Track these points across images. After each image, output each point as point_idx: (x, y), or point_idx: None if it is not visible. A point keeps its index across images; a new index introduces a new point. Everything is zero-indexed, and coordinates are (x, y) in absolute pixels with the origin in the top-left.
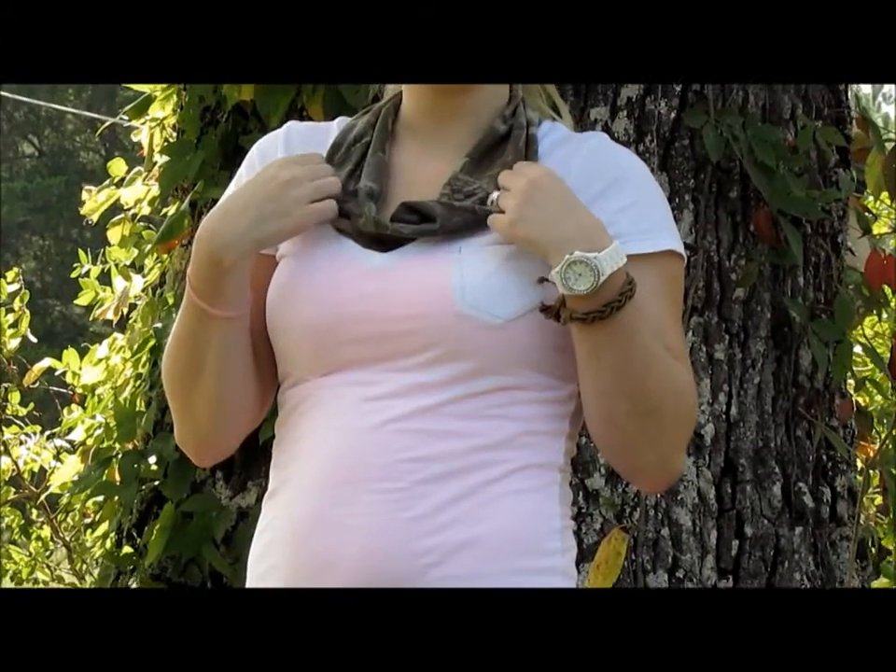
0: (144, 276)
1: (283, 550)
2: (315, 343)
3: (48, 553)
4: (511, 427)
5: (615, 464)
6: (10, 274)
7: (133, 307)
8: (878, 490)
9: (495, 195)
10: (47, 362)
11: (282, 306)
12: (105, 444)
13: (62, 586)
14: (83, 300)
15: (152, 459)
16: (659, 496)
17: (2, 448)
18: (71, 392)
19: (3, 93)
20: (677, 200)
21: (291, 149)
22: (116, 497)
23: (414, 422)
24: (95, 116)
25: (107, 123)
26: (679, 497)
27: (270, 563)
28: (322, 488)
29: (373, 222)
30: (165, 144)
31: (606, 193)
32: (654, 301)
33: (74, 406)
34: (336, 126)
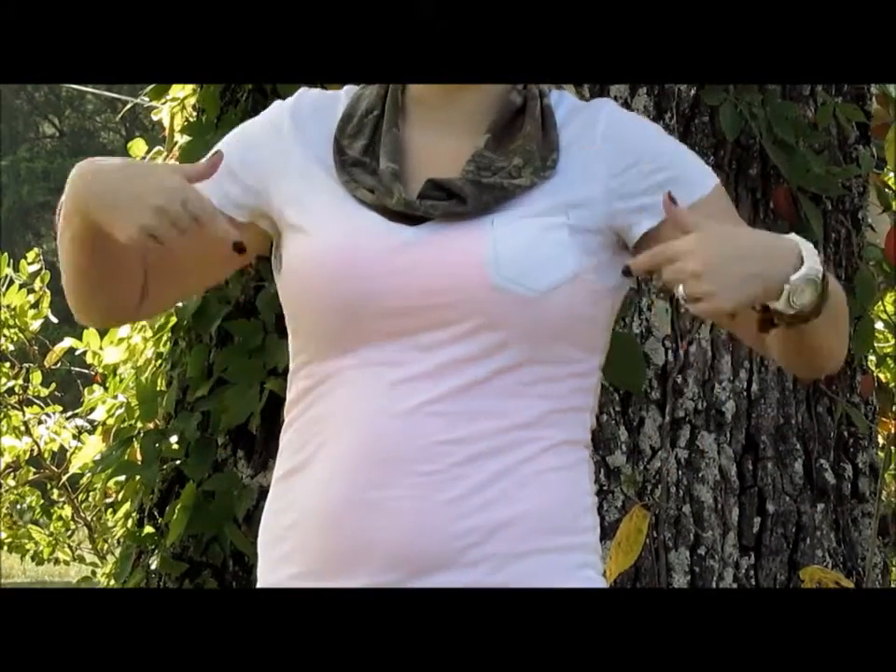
0: None
1: (311, 532)
2: (343, 317)
3: (69, 533)
4: (543, 404)
5: (806, 372)
6: (31, 255)
7: None
8: None
9: (681, 290)
10: (68, 343)
11: (306, 279)
12: (126, 424)
13: (83, 566)
14: None
15: (173, 439)
16: (680, 472)
17: (23, 428)
18: (92, 372)
19: None
20: None
21: (301, 118)
22: (137, 477)
23: (447, 403)
24: (116, 96)
25: (129, 105)
26: (700, 475)
27: (290, 546)
28: (355, 471)
29: (404, 203)
30: (186, 123)
31: (638, 164)
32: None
33: (95, 386)
34: (345, 95)
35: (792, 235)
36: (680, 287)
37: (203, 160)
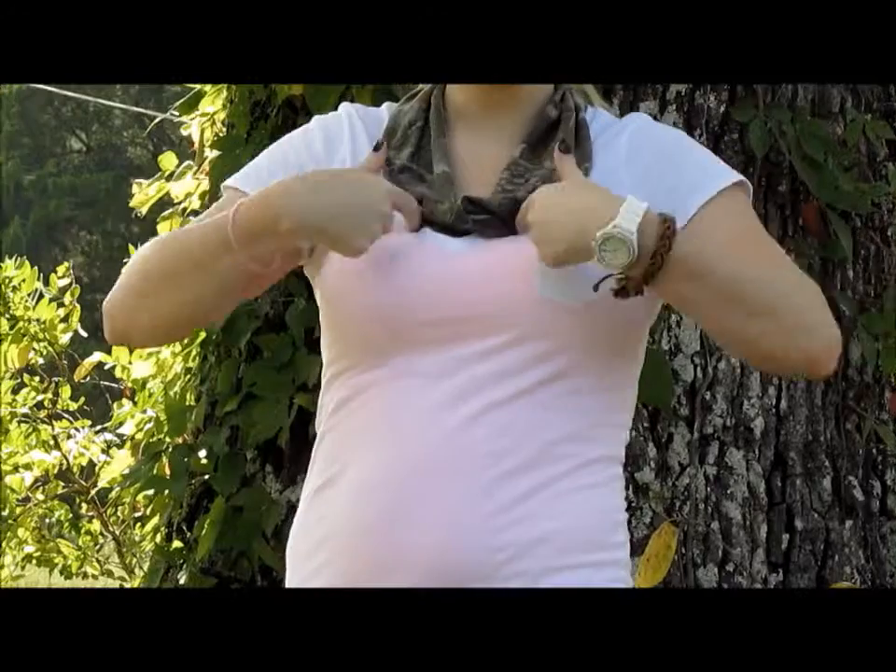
0: None
1: (343, 546)
2: (384, 325)
3: (97, 547)
4: (581, 419)
5: (754, 360)
6: (61, 269)
7: None
8: None
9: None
10: (97, 357)
11: (349, 288)
12: (155, 438)
13: (110, 580)
14: None
15: (202, 453)
16: (709, 489)
17: (52, 442)
18: (121, 387)
19: (51, 89)
20: None
21: (354, 129)
22: (166, 492)
23: (488, 416)
24: (143, 111)
25: (157, 119)
26: (728, 491)
27: (324, 558)
28: (392, 483)
29: (456, 213)
30: (215, 138)
31: (655, 166)
32: (731, 223)
33: (124, 400)
34: (385, 111)
35: (629, 197)
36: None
37: (368, 154)
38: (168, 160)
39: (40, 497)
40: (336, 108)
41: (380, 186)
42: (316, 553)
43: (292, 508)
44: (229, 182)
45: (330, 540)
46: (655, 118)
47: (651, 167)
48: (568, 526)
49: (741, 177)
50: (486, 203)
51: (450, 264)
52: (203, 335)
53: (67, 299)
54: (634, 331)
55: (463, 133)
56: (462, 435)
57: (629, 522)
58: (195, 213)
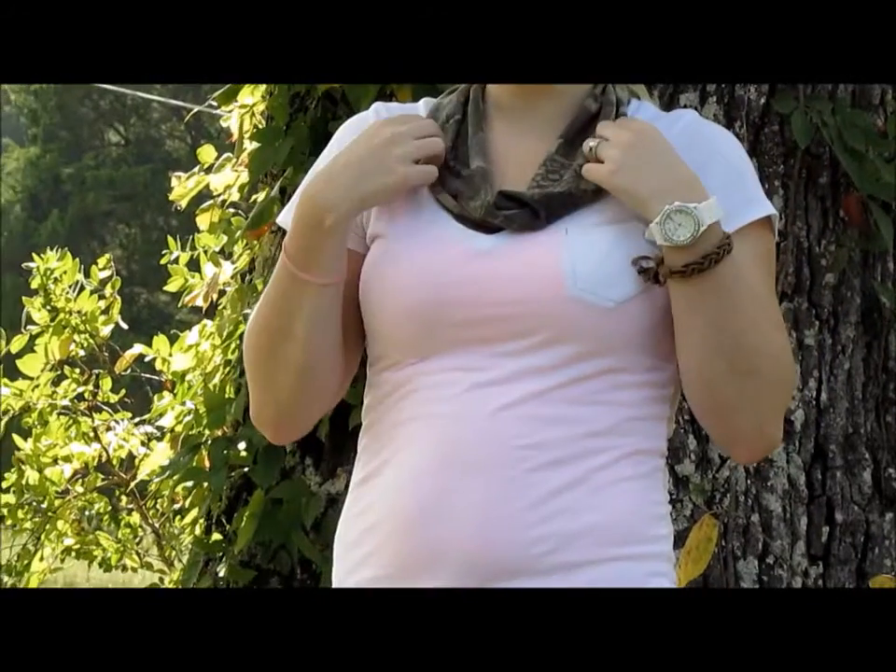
0: (233, 263)
1: (386, 536)
2: (418, 325)
3: (136, 540)
4: (619, 412)
5: (712, 429)
6: (102, 261)
7: (222, 293)
8: None
9: (593, 143)
10: (138, 349)
11: (382, 286)
12: (194, 431)
13: (150, 573)
14: (172, 286)
15: (242, 445)
16: (749, 482)
17: (92, 434)
18: (161, 379)
19: None
20: (766, 185)
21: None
22: (205, 484)
23: (524, 408)
24: (181, 104)
25: (194, 111)
26: (769, 484)
27: (367, 550)
28: (431, 475)
29: (485, 211)
30: (254, 130)
31: (701, 171)
32: (753, 271)
33: (164, 393)
34: (423, 106)
35: (714, 198)
36: (594, 141)
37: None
38: (207, 152)
39: (80, 489)
40: (376, 100)
41: (385, 135)
42: (360, 544)
43: (332, 500)
44: (279, 220)
45: (373, 532)
46: (696, 109)
47: (700, 167)
48: (608, 519)
49: (775, 211)
50: (520, 196)
51: (480, 264)
52: (242, 327)
53: (108, 291)
54: (671, 332)
55: (501, 128)
56: (499, 428)
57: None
58: (234, 205)
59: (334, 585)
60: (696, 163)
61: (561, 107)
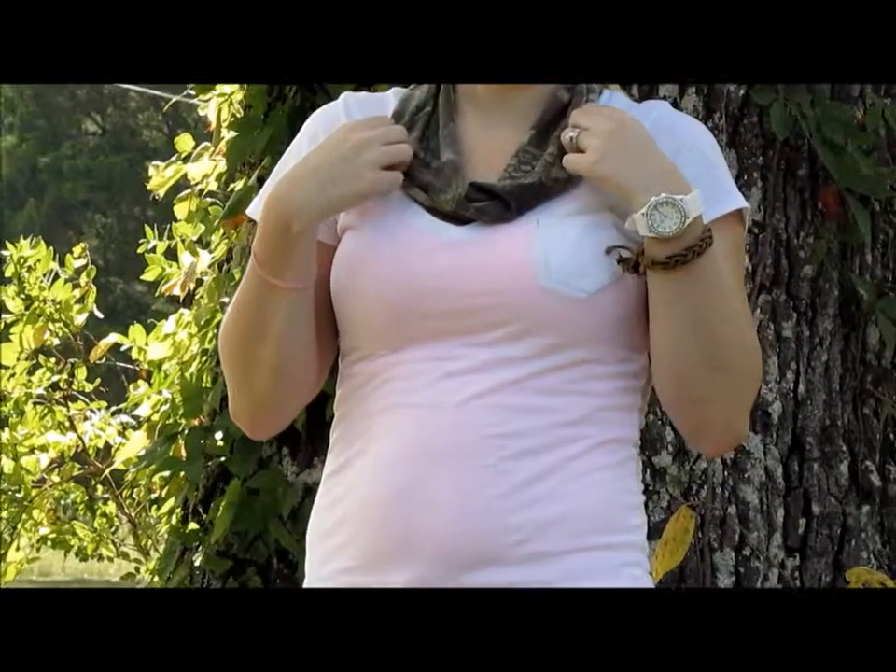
0: (210, 252)
1: (360, 526)
2: (390, 316)
3: (112, 530)
4: (590, 402)
5: (681, 422)
6: (77, 249)
7: (199, 283)
8: None
9: (573, 133)
10: (113, 338)
11: (353, 278)
12: (171, 420)
13: (126, 562)
14: (149, 275)
15: (218, 435)
16: (726, 473)
17: (68, 423)
18: (137, 368)
19: None
20: (745, 177)
21: (352, 119)
22: (182, 473)
23: (497, 397)
24: (159, 93)
25: (172, 100)
26: (746, 475)
27: (340, 540)
28: (404, 465)
29: (455, 203)
30: (232, 119)
31: (675, 158)
32: (724, 263)
33: (140, 382)
34: (392, 96)
35: (697, 191)
36: (573, 131)
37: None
38: (184, 141)
39: (56, 478)
40: (355, 90)
41: (356, 140)
42: (333, 534)
43: (308, 490)
44: (248, 211)
45: (346, 522)
46: (675, 101)
47: (672, 158)
48: (581, 508)
49: (747, 204)
50: (492, 188)
51: (452, 256)
52: (219, 316)
53: (83, 280)
54: (644, 323)
55: (472, 118)
56: (471, 417)
57: (646, 506)
58: (212, 194)
59: (307, 576)
60: (669, 155)
61: (533, 98)
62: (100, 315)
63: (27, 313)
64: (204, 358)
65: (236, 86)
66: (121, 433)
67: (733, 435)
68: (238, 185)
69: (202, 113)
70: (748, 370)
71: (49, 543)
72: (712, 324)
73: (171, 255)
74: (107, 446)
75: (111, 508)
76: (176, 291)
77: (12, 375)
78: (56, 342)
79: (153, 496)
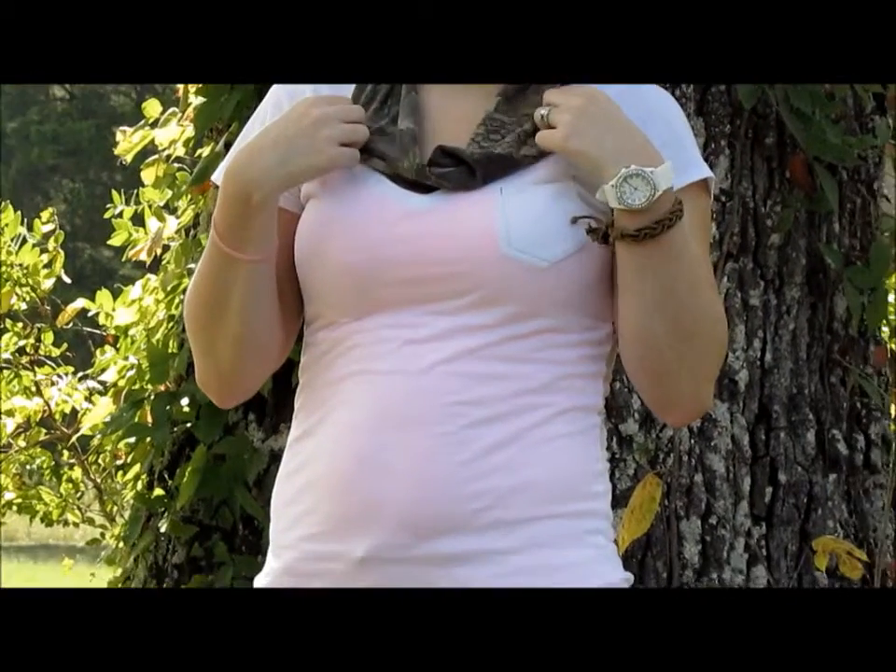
0: (178, 218)
1: (322, 493)
2: (353, 284)
3: (78, 495)
4: (554, 369)
5: (648, 393)
6: (45, 214)
7: (166, 248)
8: None
9: (544, 111)
10: (80, 303)
11: (316, 247)
12: (137, 386)
13: (91, 528)
14: (116, 240)
15: (184, 401)
16: (693, 441)
17: (34, 388)
18: (104, 333)
19: None
20: (713, 145)
21: (318, 88)
22: (148, 439)
23: (460, 364)
24: None
25: None
26: (712, 444)
27: (303, 507)
28: (367, 432)
29: (415, 170)
30: (200, 85)
31: (640, 125)
32: (691, 233)
33: (106, 347)
34: None
35: (669, 163)
36: (544, 109)
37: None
38: (152, 107)
39: (22, 443)
40: None
41: (316, 114)
42: (297, 501)
43: (274, 456)
44: (213, 177)
45: (309, 489)
46: None
47: (643, 119)
48: (543, 475)
49: (712, 174)
50: (459, 153)
51: (414, 224)
52: (185, 282)
53: (51, 244)
54: (607, 293)
55: (436, 88)
56: (434, 384)
57: (613, 474)
58: (179, 160)
59: (271, 543)
60: (633, 119)
61: None
62: (67, 280)
63: None
64: (171, 324)
65: None
66: (88, 398)
67: (699, 405)
68: (205, 150)
69: None
70: (715, 340)
71: (14, 508)
72: (681, 295)
73: (138, 220)
74: (74, 411)
75: (77, 473)
76: (143, 257)
77: None
78: (23, 306)
79: (119, 461)
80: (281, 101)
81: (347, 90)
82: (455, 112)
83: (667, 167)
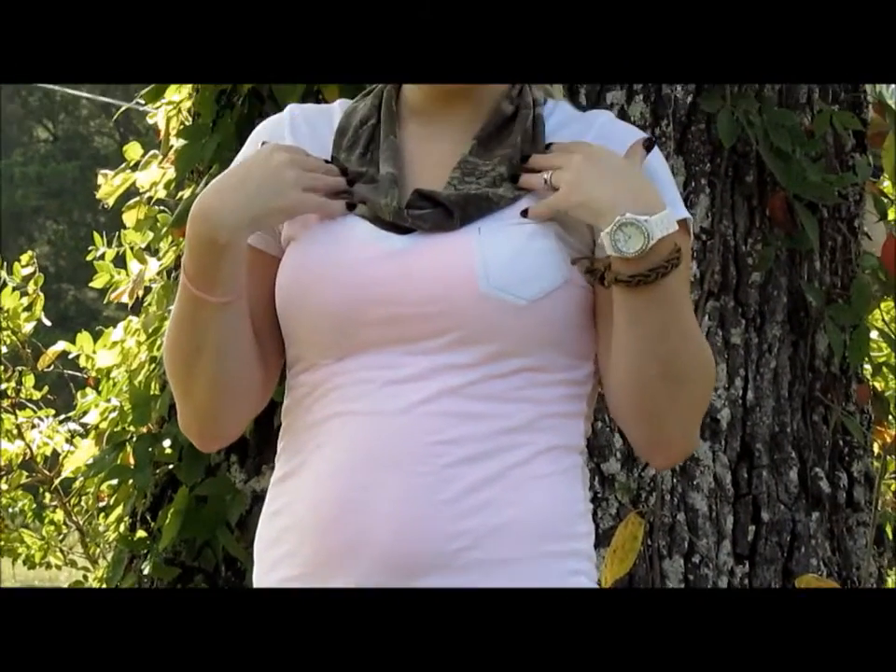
0: (159, 259)
1: (303, 535)
2: (333, 325)
3: (60, 538)
4: (534, 409)
5: (638, 435)
6: (25, 258)
7: (148, 290)
8: (895, 476)
9: (547, 175)
10: (61, 345)
11: (297, 288)
12: (119, 428)
13: (74, 570)
14: (98, 282)
15: (167, 443)
16: (675, 480)
17: (15, 431)
18: (85, 376)
19: None
20: (693, 184)
21: (297, 132)
22: (130, 481)
23: (440, 404)
24: (110, 101)
25: (123, 108)
26: (695, 482)
27: (285, 549)
28: (348, 472)
29: (394, 211)
30: (181, 127)
31: None
32: (683, 278)
33: (88, 389)
34: (339, 108)
35: (669, 209)
36: (545, 174)
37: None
38: (134, 149)
39: (4, 486)
40: (303, 100)
41: (280, 159)
42: (279, 543)
43: (257, 498)
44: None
45: (291, 531)
46: (622, 108)
47: None
48: (525, 515)
49: (689, 215)
50: (436, 196)
51: (393, 264)
52: (167, 324)
53: (31, 287)
54: (588, 331)
55: (415, 131)
56: (414, 424)
57: (595, 513)
58: (161, 202)
59: (254, 584)
60: None
61: (476, 110)
62: (47, 323)
63: None
64: (153, 366)
65: (185, 94)
66: (70, 441)
67: (688, 446)
68: (187, 192)
69: (152, 122)
70: (705, 382)
71: None
72: (674, 340)
73: (121, 262)
74: (55, 454)
75: (59, 515)
76: (125, 299)
77: None
78: (4, 349)
79: (101, 503)
80: (282, 140)
81: (330, 130)
82: (433, 156)
83: (665, 215)
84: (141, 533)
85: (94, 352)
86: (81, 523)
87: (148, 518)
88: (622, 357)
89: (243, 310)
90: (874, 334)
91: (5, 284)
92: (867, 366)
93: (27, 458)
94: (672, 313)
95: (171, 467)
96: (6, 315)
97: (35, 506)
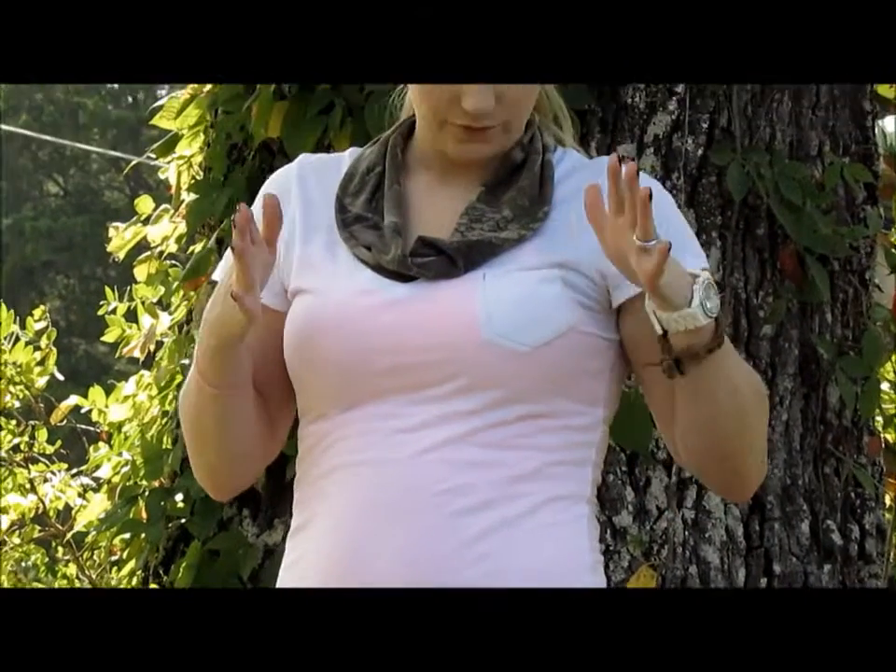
0: (170, 314)
1: (315, 585)
2: (338, 376)
3: None
4: (539, 456)
5: (716, 476)
6: (37, 312)
7: (159, 344)
8: None
9: (654, 243)
10: (73, 400)
11: (303, 340)
12: (131, 482)
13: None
14: (109, 337)
15: (179, 497)
16: (687, 533)
17: (28, 486)
18: (97, 430)
19: (28, 133)
20: (704, 236)
21: (305, 184)
22: (142, 535)
23: (444, 452)
24: (120, 155)
25: (133, 162)
26: (706, 535)
27: None
28: (355, 522)
29: (398, 261)
30: (192, 181)
31: None
32: None
33: (100, 444)
34: (348, 156)
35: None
36: (657, 242)
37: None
38: (144, 203)
39: (16, 540)
40: (314, 150)
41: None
42: None
43: (269, 552)
44: (214, 276)
45: (304, 581)
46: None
47: None
48: (530, 566)
49: (706, 263)
50: (439, 243)
51: (397, 312)
52: (178, 378)
53: (44, 342)
54: (595, 378)
55: (421, 178)
56: (420, 473)
57: (607, 566)
58: (172, 256)
59: None
60: None
61: (487, 161)
62: (60, 377)
63: None
64: (165, 420)
65: (196, 148)
66: (82, 495)
67: (764, 472)
68: (198, 247)
69: (162, 176)
70: (763, 405)
71: None
72: (742, 387)
73: (132, 316)
74: (68, 508)
75: (72, 570)
76: (136, 353)
77: None
78: (17, 404)
79: (114, 557)
80: (289, 190)
81: (338, 177)
82: (441, 203)
83: (708, 276)
84: (153, 587)
85: (107, 406)
86: (94, 577)
87: (161, 572)
88: (700, 416)
89: (248, 394)
90: (885, 386)
91: (17, 338)
92: (878, 418)
93: (40, 512)
94: (734, 360)
95: (183, 521)
96: (19, 369)
97: (47, 560)
